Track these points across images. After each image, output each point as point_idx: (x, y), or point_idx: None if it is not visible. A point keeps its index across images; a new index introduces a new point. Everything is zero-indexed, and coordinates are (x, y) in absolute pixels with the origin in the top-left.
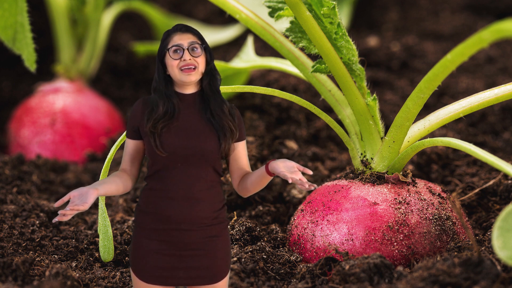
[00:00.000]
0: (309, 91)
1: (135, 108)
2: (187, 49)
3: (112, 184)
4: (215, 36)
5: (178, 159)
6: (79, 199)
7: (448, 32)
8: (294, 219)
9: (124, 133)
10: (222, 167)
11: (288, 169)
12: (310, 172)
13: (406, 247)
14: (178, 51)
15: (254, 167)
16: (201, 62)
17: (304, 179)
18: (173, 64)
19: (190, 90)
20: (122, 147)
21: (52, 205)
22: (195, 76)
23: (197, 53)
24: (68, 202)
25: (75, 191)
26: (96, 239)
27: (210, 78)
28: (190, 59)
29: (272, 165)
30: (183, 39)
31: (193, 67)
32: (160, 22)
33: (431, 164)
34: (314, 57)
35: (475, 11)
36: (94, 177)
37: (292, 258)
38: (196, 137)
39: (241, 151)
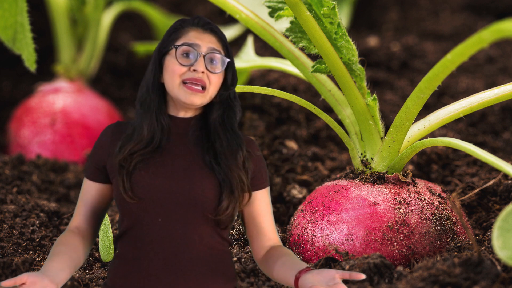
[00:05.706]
0: (309, 91)
1: (102, 136)
2: (204, 56)
3: (69, 268)
4: None
5: (157, 210)
6: None
7: (448, 32)
8: (294, 219)
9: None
10: (230, 225)
11: (326, 283)
12: (362, 276)
13: (406, 247)
14: (190, 55)
15: None
16: (215, 83)
17: None
18: (175, 70)
19: (187, 113)
20: None
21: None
22: (201, 100)
23: (215, 67)
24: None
25: (32, 277)
26: (96, 239)
27: (226, 110)
28: (203, 72)
29: (305, 280)
30: (203, 40)
31: (203, 86)
32: (160, 22)
33: (431, 164)
34: (314, 57)
35: (475, 11)
36: None
37: None
38: (186, 178)
39: (260, 206)
